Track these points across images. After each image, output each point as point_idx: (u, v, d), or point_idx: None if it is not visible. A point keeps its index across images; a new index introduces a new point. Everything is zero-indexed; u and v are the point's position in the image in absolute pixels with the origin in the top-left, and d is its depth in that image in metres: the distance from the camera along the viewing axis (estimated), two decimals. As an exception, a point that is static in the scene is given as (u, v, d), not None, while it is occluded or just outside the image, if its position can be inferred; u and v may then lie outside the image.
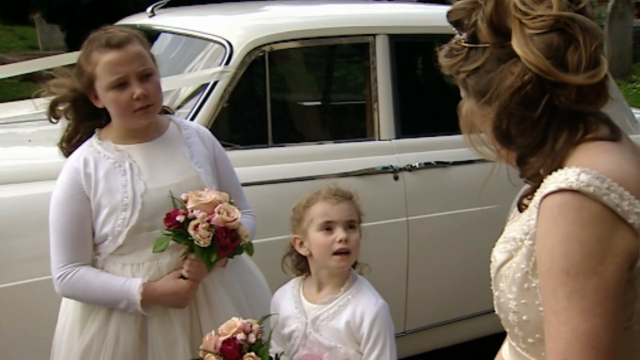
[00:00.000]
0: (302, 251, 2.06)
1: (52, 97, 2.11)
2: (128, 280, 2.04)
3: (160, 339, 2.09)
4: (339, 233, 1.99)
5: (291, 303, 2.06)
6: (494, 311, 1.26)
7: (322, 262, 2.02)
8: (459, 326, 3.32)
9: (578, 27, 1.10)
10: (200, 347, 1.91)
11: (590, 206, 1.03)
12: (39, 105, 2.18)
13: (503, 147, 1.19)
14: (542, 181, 1.11)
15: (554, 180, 1.07)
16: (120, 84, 2.00)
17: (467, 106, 1.22)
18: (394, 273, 3.05)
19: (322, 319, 2.00)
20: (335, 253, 1.98)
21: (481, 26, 1.15)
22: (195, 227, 1.98)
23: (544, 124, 1.13)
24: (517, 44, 1.11)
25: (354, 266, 2.10)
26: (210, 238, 1.99)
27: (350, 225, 2.02)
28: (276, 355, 1.91)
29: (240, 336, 1.87)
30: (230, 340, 1.87)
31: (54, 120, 2.15)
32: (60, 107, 2.12)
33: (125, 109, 2.02)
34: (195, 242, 1.98)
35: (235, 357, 1.86)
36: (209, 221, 1.99)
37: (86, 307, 2.10)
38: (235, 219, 2.03)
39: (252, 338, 1.89)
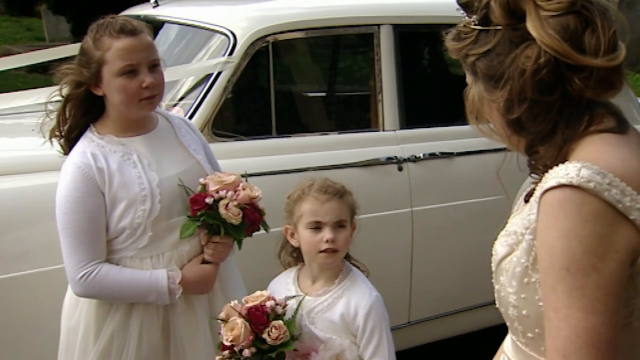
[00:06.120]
0: (293, 242, 2.07)
1: (62, 99, 2.06)
2: (154, 272, 2.03)
3: (183, 329, 2.08)
4: (326, 233, 1.98)
5: (286, 294, 2.05)
6: (497, 303, 1.25)
7: (310, 257, 2.03)
8: (463, 317, 3.31)
9: (595, 10, 1.08)
10: (221, 314, 1.92)
11: (590, 202, 1.00)
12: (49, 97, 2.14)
13: (514, 134, 1.16)
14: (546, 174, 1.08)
15: (555, 175, 1.04)
16: (130, 71, 1.99)
17: (474, 91, 1.19)
18: (398, 264, 3.04)
19: (316, 311, 2.00)
20: (322, 251, 1.98)
21: (494, 7, 1.11)
22: (226, 206, 2.03)
23: (556, 111, 1.10)
24: (532, 26, 1.07)
25: (347, 258, 2.10)
26: (240, 215, 2.05)
27: (340, 225, 2.01)
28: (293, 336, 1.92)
29: (269, 303, 1.89)
30: (258, 307, 1.88)
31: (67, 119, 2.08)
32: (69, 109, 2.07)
33: (133, 96, 2.01)
34: (228, 221, 2.03)
35: (262, 323, 1.86)
36: (235, 199, 2.05)
37: (103, 306, 2.06)
38: (258, 195, 2.10)
39: (280, 310, 1.91)
